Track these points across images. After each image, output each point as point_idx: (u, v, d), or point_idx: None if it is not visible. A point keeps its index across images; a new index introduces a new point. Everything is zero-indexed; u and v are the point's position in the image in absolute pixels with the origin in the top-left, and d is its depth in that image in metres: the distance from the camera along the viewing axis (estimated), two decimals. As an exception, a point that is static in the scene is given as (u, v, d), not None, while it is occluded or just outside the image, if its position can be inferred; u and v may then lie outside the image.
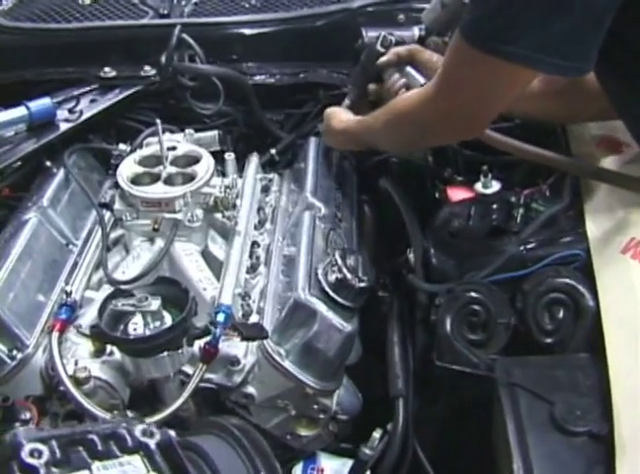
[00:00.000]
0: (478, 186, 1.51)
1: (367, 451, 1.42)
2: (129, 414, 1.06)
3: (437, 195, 1.67)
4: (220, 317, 1.33)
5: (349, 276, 1.36)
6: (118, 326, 1.29)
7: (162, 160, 1.55)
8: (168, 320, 1.28)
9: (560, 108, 1.45)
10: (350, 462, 1.51)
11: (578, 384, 1.19)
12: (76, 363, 1.29)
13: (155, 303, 1.25)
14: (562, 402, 1.15)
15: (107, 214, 1.64)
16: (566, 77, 1.21)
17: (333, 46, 1.94)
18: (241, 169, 1.79)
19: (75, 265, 1.56)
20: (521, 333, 1.33)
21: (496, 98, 1.21)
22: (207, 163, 1.56)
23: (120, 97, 1.81)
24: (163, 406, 1.34)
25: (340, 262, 1.37)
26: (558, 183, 1.47)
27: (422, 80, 1.51)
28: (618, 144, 1.46)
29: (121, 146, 1.81)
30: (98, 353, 1.37)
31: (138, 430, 0.75)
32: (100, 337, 1.30)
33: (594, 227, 1.36)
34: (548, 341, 1.30)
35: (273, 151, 1.92)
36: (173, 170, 1.56)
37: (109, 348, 1.36)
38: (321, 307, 1.34)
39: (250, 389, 1.38)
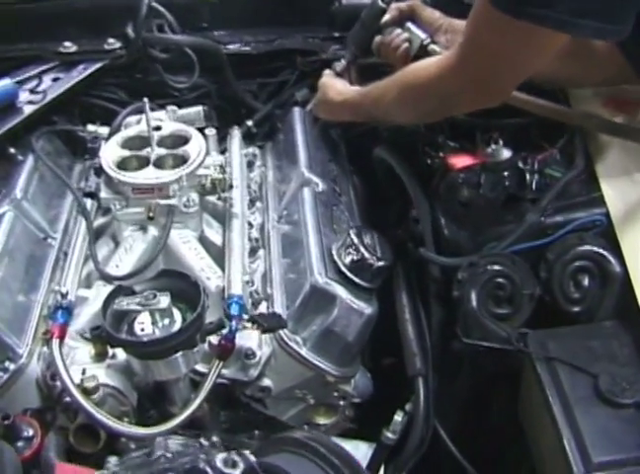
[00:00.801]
0: (488, 152, 1.44)
1: (390, 435, 1.37)
2: (204, 442, 0.95)
3: (428, 161, 1.60)
4: (234, 309, 1.25)
5: (367, 255, 1.28)
6: (121, 326, 1.19)
7: (149, 141, 1.42)
8: (177, 317, 1.19)
9: (569, 70, 1.38)
10: (361, 444, 1.47)
11: (615, 354, 1.17)
12: (84, 372, 1.17)
13: (164, 300, 1.16)
14: (605, 373, 1.12)
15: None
16: (605, 41, 1.15)
17: (307, 10, 1.85)
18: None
19: (57, 260, 1.43)
20: (546, 303, 1.29)
21: (525, 63, 1.14)
22: (198, 143, 1.45)
23: (86, 73, 1.67)
24: (172, 407, 1.26)
25: (356, 241, 1.29)
26: (567, 146, 1.42)
27: (423, 35, 1.47)
28: (628, 104, 1.41)
29: (90, 127, 1.67)
30: (99, 356, 1.26)
31: (219, 460, 0.67)
32: (106, 340, 1.19)
33: (610, 191, 1.32)
34: (575, 309, 1.27)
35: (250, 123, 1.83)
36: (162, 152, 1.44)
37: (111, 350, 1.25)
38: (340, 291, 1.27)
39: (266, 382, 1.32)
